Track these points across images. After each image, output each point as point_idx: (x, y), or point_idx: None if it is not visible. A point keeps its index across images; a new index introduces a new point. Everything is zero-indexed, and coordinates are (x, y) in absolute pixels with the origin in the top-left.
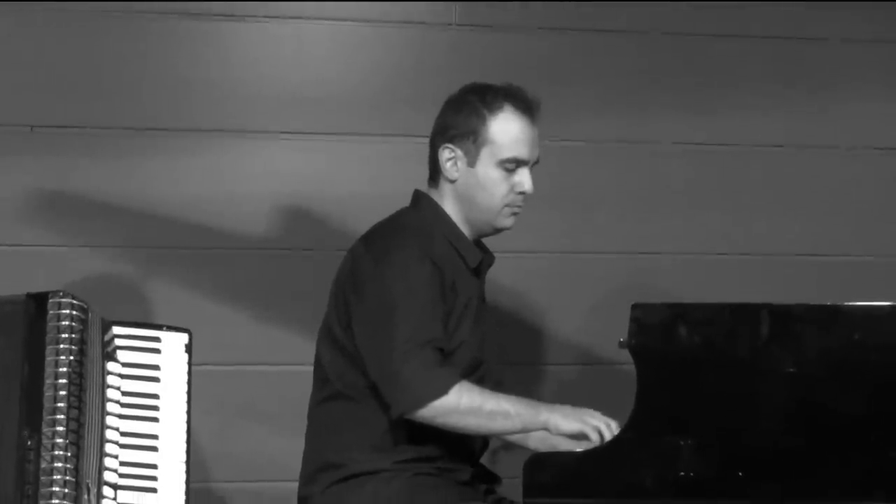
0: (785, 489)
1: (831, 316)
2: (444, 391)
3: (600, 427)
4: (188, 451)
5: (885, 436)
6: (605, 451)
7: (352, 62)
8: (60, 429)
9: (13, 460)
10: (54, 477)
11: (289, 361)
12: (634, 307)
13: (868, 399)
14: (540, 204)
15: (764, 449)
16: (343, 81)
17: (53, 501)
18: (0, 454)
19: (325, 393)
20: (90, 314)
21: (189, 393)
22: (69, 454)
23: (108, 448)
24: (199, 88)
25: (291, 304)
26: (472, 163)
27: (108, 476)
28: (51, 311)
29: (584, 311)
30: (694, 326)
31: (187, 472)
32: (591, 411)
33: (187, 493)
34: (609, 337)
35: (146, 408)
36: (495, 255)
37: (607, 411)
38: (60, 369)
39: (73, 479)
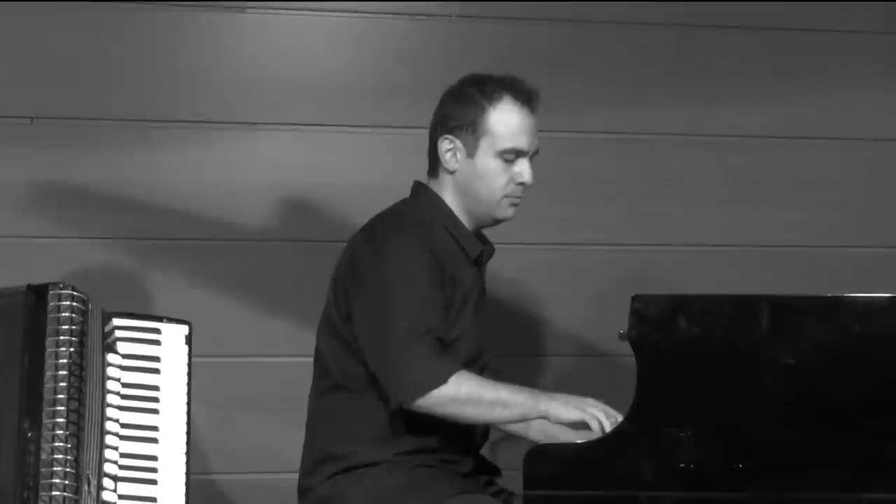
0: (785, 481)
1: (831, 308)
2: (442, 381)
3: (599, 416)
4: (188, 443)
5: (885, 427)
6: (605, 443)
7: (352, 54)
8: (61, 420)
9: (13, 452)
10: (54, 468)
11: (289, 353)
12: (634, 298)
13: (868, 390)
14: (540, 195)
15: (764, 440)
16: (343, 73)
17: (54, 493)
18: (0, 445)
19: (326, 384)
20: (90, 306)
21: (189, 384)
22: (69, 446)
23: (109, 440)
24: (199, 80)
25: (292, 295)
26: (471, 154)
27: (109, 467)
28: (51, 303)
29: (584, 302)
30: (694, 318)
31: (187, 463)
32: (590, 399)
33: (187, 484)
34: (609, 328)
35: (146, 399)
36: (495, 246)
37: (607, 403)
38: (61, 361)
39: (74, 471)
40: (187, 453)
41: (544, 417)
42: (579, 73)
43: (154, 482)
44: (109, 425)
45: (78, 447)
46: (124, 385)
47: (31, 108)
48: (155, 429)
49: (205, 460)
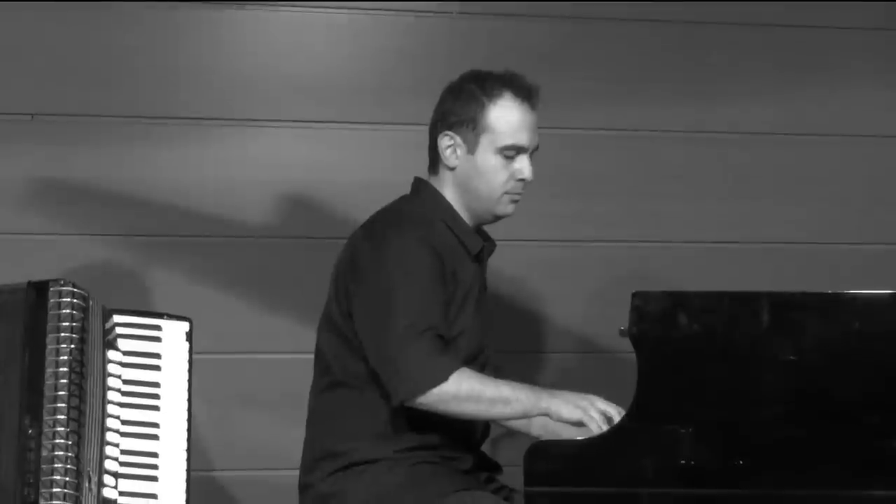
0: (785, 478)
1: (831, 304)
2: (443, 378)
3: (597, 418)
4: (189, 440)
5: (886, 424)
6: (605, 440)
7: (352, 51)
8: (61, 417)
9: (14, 448)
10: (55, 465)
11: (289, 350)
12: (635, 295)
13: (868, 387)
14: (540, 192)
15: (764, 437)
16: (343, 70)
17: (54, 489)
18: (1, 442)
19: (326, 381)
20: (91, 302)
21: (190, 381)
22: (70, 442)
23: (109, 436)
24: (199, 77)
25: (292, 292)
26: (471, 150)
27: (109, 464)
28: (51, 300)
29: (584, 298)
30: (694, 315)
31: (188, 460)
32: (592, 397)
33: (188, 481)
34: (609, 325)
35: (147, 396)
36: (496, 242)
37: (608, 399)
38: (61, 357)
39: (74, 468)
40: (188, 450)
41: (545, 415)
42: (579, 69)
43: (155, 479)
44: (110, 422)
45: (79, 444)
46: (125, 382)
47: (32, 105)
48: (156, 425)
49: (205, 457)
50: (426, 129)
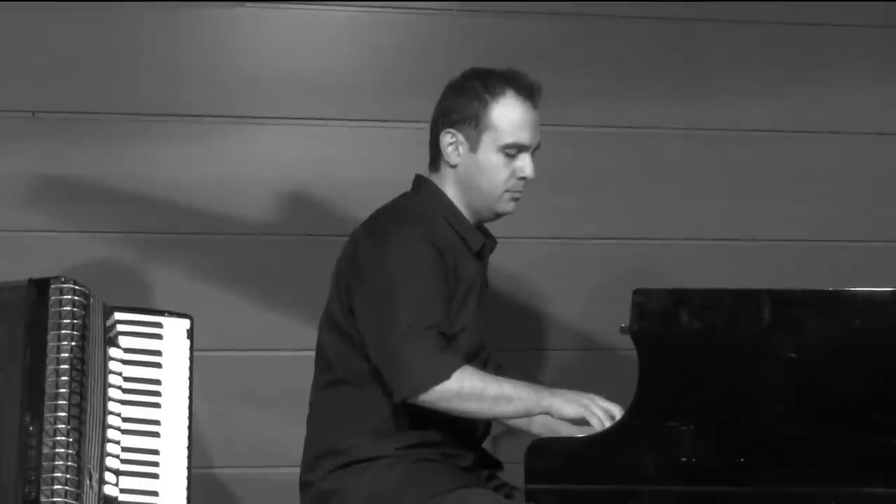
0: (786, 475)
1: (832, 302)
2: (446, 376)
3: (599, 413)
4: (190, 437)
5: (886, 422)
6: (606, 437)
7: (352, 48)
8: (62, 414)
9: (15, 446)
10: (56, 463)
11: (290, 347)
12: (636, 293)
13: (868, 385)
14: (540, 189)
15: (765, 435)
16: (343, 67)
17: (55, 487)
18: (2, 440)
19: (327, 379)
20: (92, 300)
21: (191, 379)
22: (71, 440)
23: (110, 434)
24: (199, 74)
25: (293, 289)
26: (473, 148)
27: (110, 462)
28: (52, 297)
29: (585, 296)
30: (695, 312)
31: (189, 457)
32: (593, 396)
33: (189, 478)
34: (610, 322)
35: (148, 393)
36: (496, 239)
37: (609, 397)
38: (62, 355)
39: (75, 465)
40: (189, 447)
41: (547, 413)
42: (579, 67)
43: (156, 476)
44: (111, 419)
45: (80, 441)
46: (126, 379)
47: (32, 103)
48: (157, 423)
49: (206, 454)
50: (426, 126)
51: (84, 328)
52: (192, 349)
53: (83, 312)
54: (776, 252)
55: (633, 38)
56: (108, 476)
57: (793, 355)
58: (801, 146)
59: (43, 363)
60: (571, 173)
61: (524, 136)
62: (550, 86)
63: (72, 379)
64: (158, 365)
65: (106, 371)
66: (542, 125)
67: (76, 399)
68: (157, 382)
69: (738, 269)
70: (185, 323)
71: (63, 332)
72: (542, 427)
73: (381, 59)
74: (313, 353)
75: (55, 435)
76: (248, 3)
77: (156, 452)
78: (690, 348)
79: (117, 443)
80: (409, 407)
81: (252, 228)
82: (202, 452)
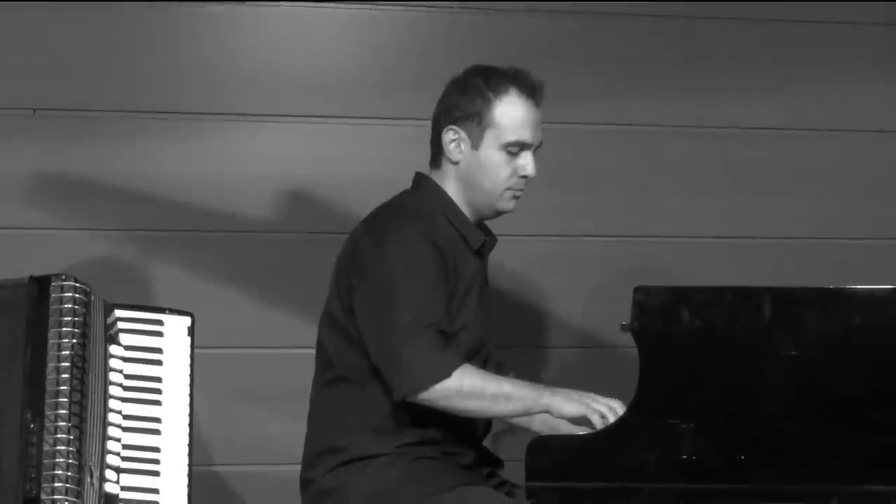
0: (786, 472)
1: (833, 299)
2: (446, 374)
3: (602, 410)
4: (191, 434)
5: (886, 419)
6: (607, 435)
7: (352, 45)
8: (63, 412)
9: (16, 443)
10: (57, 460)
11: (291, 345)
12: (637, 290)
13: (869, 383)
14: (541, 187)
15: (765, 432)
16: (344, 65)
17: (56, 484)
18: (3, 437)
19: (328, 377)
20: (93, 297)
21: (191, 376)
22: (72, 437)
23: (111, 431)
24: (199, 72)
25: (293, 287)
26: (475, 145)
27: (111, 459)
28: (53, 295)
29: (586, 294)
30: (696, 309)
31: (190, 455)
32: (593, 395)
33: (190, 475)
34: (611, 320)
35: (149, 391)
36: (496, 237)
37: (609, 394)
38: (63, 352)
39: (76, 462)
40: (190, 444)
41: (547, 412)
42: (579, 65)
43: (157, 473)
44: (112, 417)
45: (80, 439)
46: (127, 377)
47: (33, 100)
48: (157, 420)
49: (207, 451)
50: (428, 123)
51: (85, 326)
52: (192, 346)
53: (84, 310)
54: (776, 250)
55: (634, 36)
56: (109, 473)
57: (793, 353)
58: (801, 144)
59: (44, 361)
60: (572, 171)
61: (526, 135)
62: (551, 83)
63: (73, 376)
64: (159, 362)
65: (107, 368)
66: (542, 123)
67: (77, 396)
68: (158, 380)
69: (738, 267)
70: (186, 320)
71: (64, 329)
72: (542, 425)
73: (382, 57)
74: (314, 351)
75: (56, 432)
76: (248, 1)
77: (156, 450)
78: (691, 346)
79: (118, 440)
80: (410, 405)
81: (252, 226)
82: (203, 450)
